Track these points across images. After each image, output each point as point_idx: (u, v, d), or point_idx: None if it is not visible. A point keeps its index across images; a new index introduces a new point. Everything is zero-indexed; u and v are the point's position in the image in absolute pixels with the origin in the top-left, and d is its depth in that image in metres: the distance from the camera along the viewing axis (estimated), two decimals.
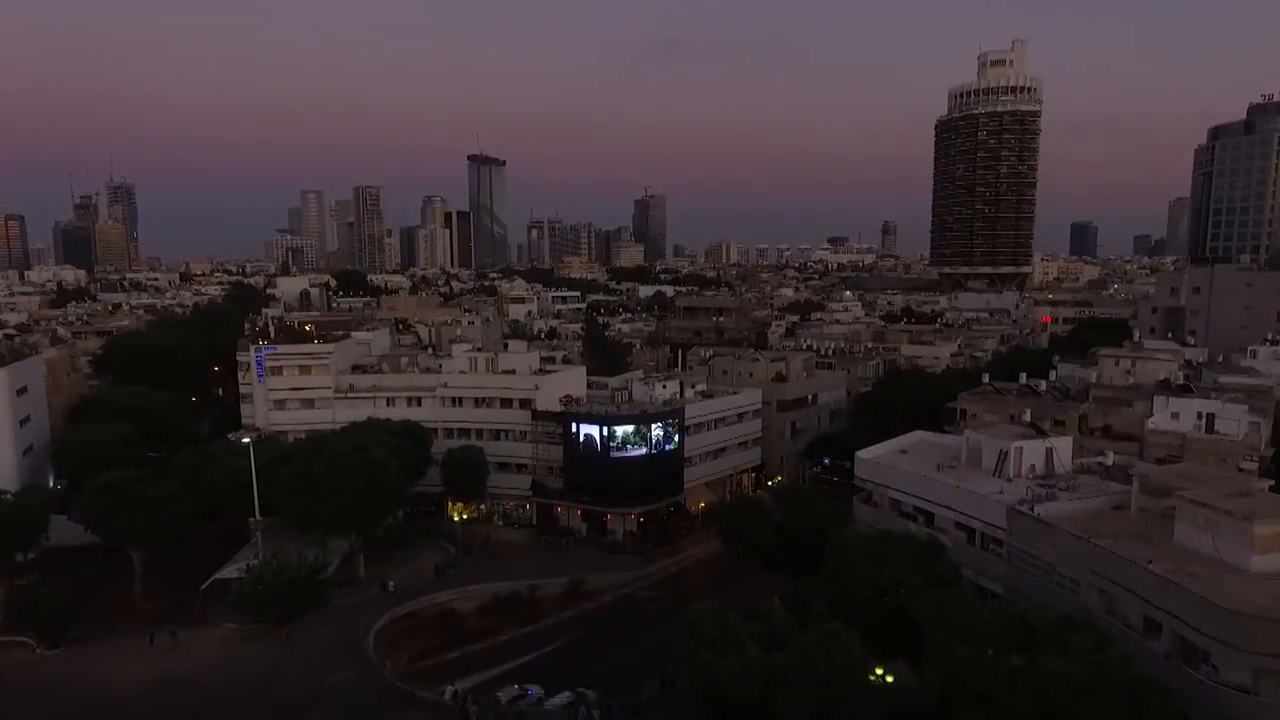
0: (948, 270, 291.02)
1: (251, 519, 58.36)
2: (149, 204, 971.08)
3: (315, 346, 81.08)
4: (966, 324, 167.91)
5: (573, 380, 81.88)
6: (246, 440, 59.19)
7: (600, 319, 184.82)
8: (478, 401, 79.80)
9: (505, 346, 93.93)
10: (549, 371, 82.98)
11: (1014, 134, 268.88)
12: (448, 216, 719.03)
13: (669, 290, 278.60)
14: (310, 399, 79.35)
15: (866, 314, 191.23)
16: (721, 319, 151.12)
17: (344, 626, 54.95)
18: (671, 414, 76.68)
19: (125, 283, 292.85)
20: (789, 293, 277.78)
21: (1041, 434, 55.42)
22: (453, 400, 79.99)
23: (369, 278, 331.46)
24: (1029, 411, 59.69)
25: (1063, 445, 53.87)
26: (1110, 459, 53.58)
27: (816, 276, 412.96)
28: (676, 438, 76.77)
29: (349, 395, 79.28)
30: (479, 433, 78.97)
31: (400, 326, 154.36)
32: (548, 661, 55.94)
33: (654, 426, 74.57)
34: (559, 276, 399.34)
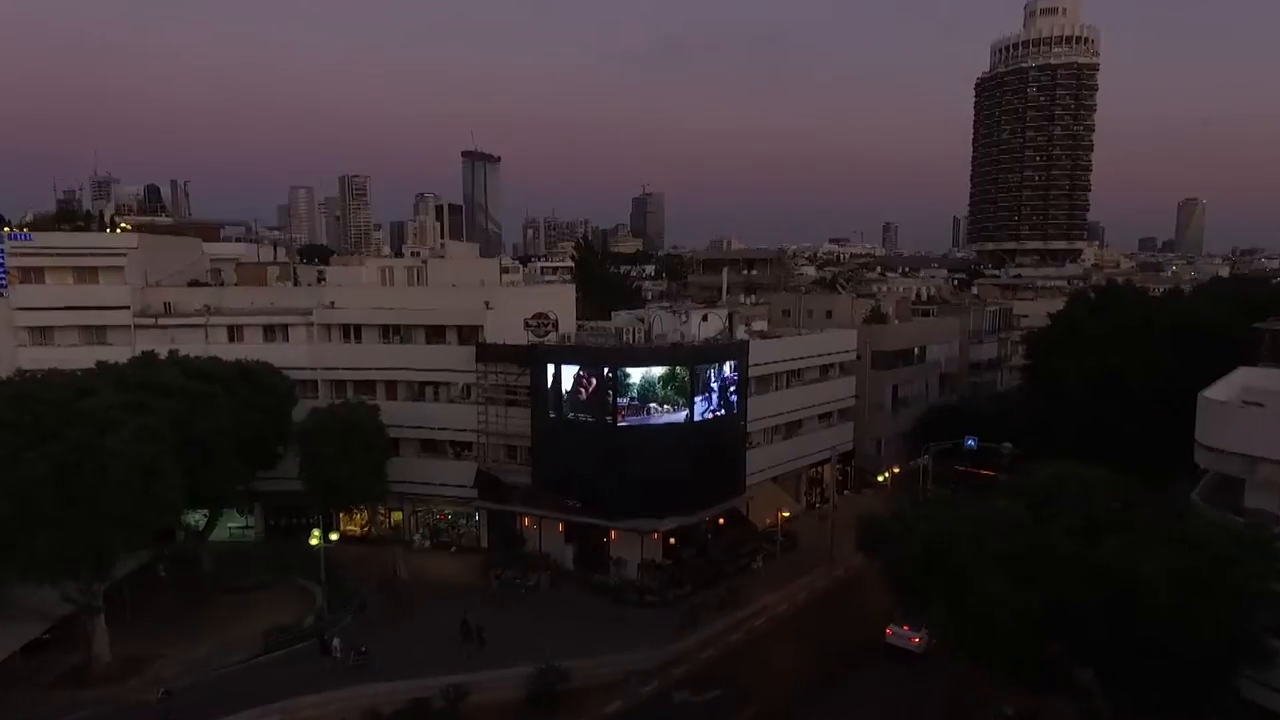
0: (990, 247, 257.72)
1: None
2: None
3: (104, 237, 47.35)
4: (1056, 288, 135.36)
5: (552, 299, 47.87)
6: None
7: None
8: (387, 333, 46.16)
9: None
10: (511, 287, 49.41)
11: (1069, 89, 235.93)
12: (439, 210, 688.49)
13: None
14: (96, 325, 45.79)
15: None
16: (754, 273, 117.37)
17: None
18: (728, 351, 43.12)
19: None
20: (811, 271, 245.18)
21: None
22: (345, 332, 46.43)
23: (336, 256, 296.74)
24: None
25: None
26: None
27: (832, 264, 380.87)
28: (735, 396, 43.30)
29: (162, 322, 45.69)
30: (389, 388, 45.56)
31: None
32: None
33: (699, 371, 41.11)
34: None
